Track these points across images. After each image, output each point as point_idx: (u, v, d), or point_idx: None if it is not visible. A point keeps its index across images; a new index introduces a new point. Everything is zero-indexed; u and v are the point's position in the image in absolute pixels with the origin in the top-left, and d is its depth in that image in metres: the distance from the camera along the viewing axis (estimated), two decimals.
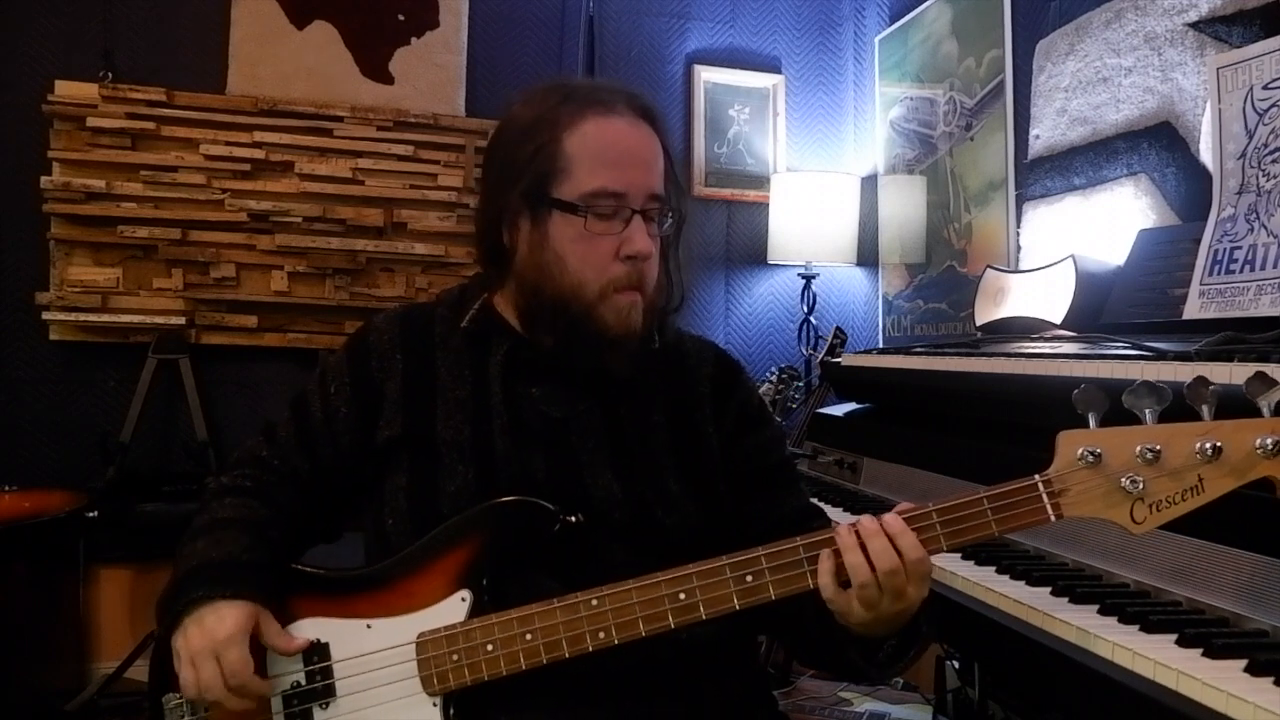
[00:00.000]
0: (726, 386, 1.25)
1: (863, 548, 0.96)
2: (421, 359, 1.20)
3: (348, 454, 1.20)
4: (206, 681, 1.03)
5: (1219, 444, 0.89)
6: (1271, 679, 0.85)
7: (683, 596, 1.00)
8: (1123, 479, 0.92)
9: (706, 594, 0.99)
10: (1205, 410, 0.91)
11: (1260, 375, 0.89)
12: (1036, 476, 0.95)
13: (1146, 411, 0.92)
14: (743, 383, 1.28)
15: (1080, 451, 0.93)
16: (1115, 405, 0.93)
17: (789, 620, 1.12)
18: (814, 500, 1.43)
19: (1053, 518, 0.94)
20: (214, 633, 1.03)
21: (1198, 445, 0.90)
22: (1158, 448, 0.91)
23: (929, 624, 1.08)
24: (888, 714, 2.59)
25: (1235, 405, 0.91)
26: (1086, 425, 0.94)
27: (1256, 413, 0.89)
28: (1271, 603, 0.97)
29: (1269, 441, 0.88)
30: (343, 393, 1.21)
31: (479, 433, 1.15)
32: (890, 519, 0.97)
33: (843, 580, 0.97)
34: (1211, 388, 0.90)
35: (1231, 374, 1.02)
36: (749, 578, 0.99)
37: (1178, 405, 0.92)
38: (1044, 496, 0.94)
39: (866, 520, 0.97)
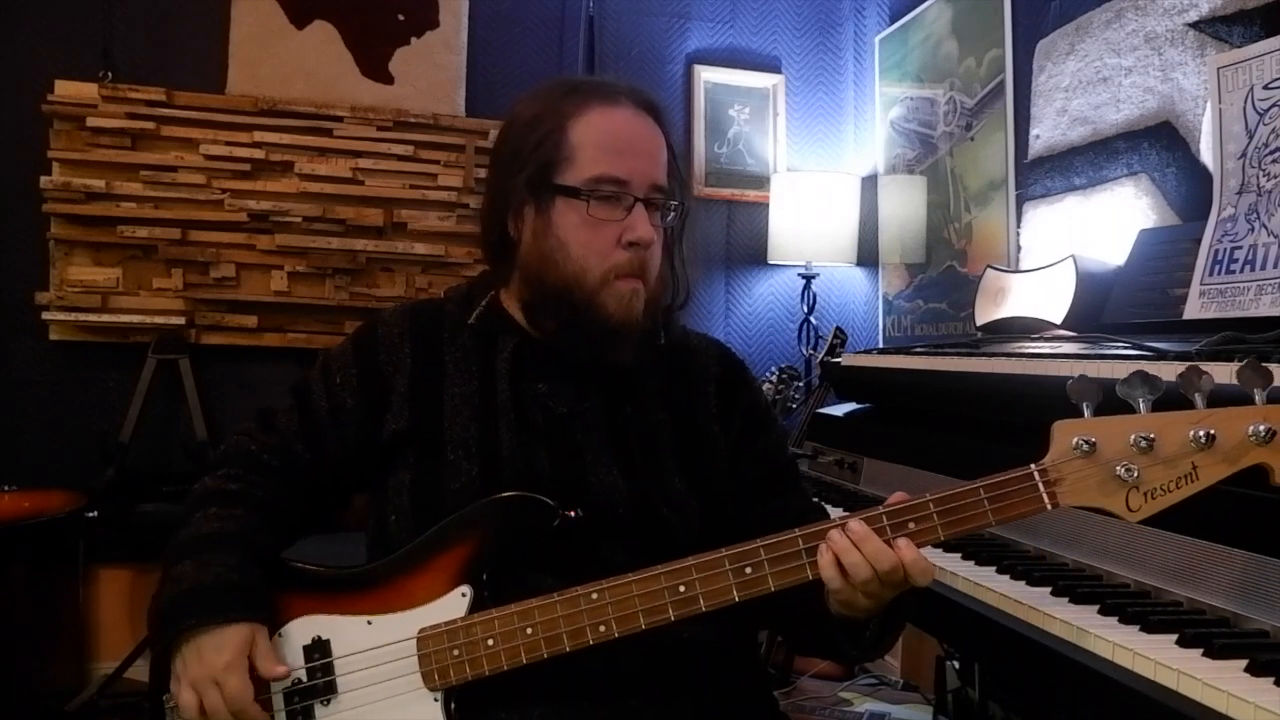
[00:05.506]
0: (733, 387, 1.25)
1: (858, 549, 0.96)
2: (430, 354, 1.20)
3: (353, 446, 1.19)
4: (211, 706, 1.03)
5: (1212, 431, 0.89)
6: (1272, 679, 0.85)
7: (682, 589, 1.00)
8: (1117, 467, 0.92)
9: (706, 586, 1.00)
10: (1199, 399, 0.91)
11: (1253, 364, 0.90)
12: (1032, 466, 0.95)
13: (1140, 401, 0.92)
14: (749, 383, 1.28)
15: (1075, 440, 0.93)
16: (1111, 401, 0.93)
17: (778, 610, 1.11)
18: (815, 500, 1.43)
19: (1049, 506, 0.94)
20: (213, 663, 1.03)
21: (1191, 433, 0.90)
22: (1152, 436, 0.91)
23: (912, 602, 1.06)
24: (888, 714, 2.59)
25: (1232, 404, 0.90)
26: (1081, 415, 0.94)
27: (1250, 404, 0.90)
28: (1272, 603, 0.97)
29: (1262, 429, 0.88)
30: (349, 384, 1.20)
31: (485, 430, 1.15)
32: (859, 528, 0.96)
33: (844, 572, 0.97)
34: (1205, 377, 0.91)
35: (1232, 374, 1.02)
36: (748, 570, 0.99)
37: (1173, 401, 0.92)
38: (1040, 485, 0.94)
39: (855, 524, 0.97)
